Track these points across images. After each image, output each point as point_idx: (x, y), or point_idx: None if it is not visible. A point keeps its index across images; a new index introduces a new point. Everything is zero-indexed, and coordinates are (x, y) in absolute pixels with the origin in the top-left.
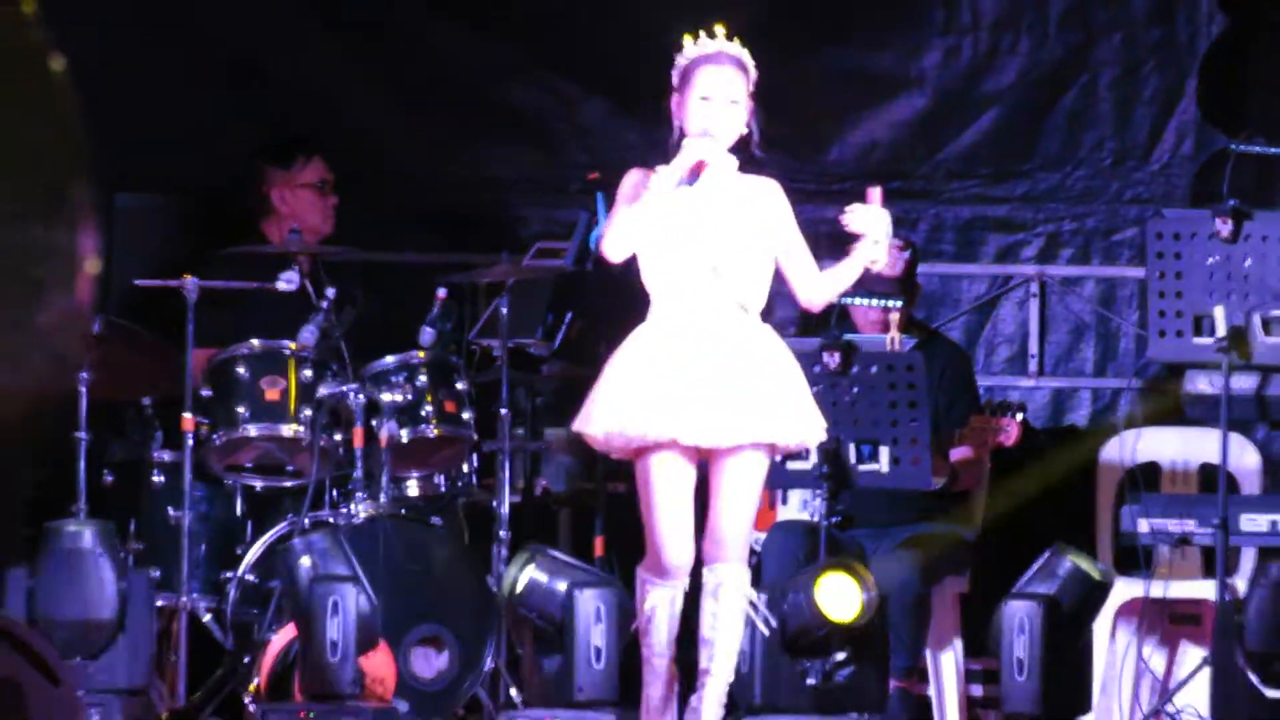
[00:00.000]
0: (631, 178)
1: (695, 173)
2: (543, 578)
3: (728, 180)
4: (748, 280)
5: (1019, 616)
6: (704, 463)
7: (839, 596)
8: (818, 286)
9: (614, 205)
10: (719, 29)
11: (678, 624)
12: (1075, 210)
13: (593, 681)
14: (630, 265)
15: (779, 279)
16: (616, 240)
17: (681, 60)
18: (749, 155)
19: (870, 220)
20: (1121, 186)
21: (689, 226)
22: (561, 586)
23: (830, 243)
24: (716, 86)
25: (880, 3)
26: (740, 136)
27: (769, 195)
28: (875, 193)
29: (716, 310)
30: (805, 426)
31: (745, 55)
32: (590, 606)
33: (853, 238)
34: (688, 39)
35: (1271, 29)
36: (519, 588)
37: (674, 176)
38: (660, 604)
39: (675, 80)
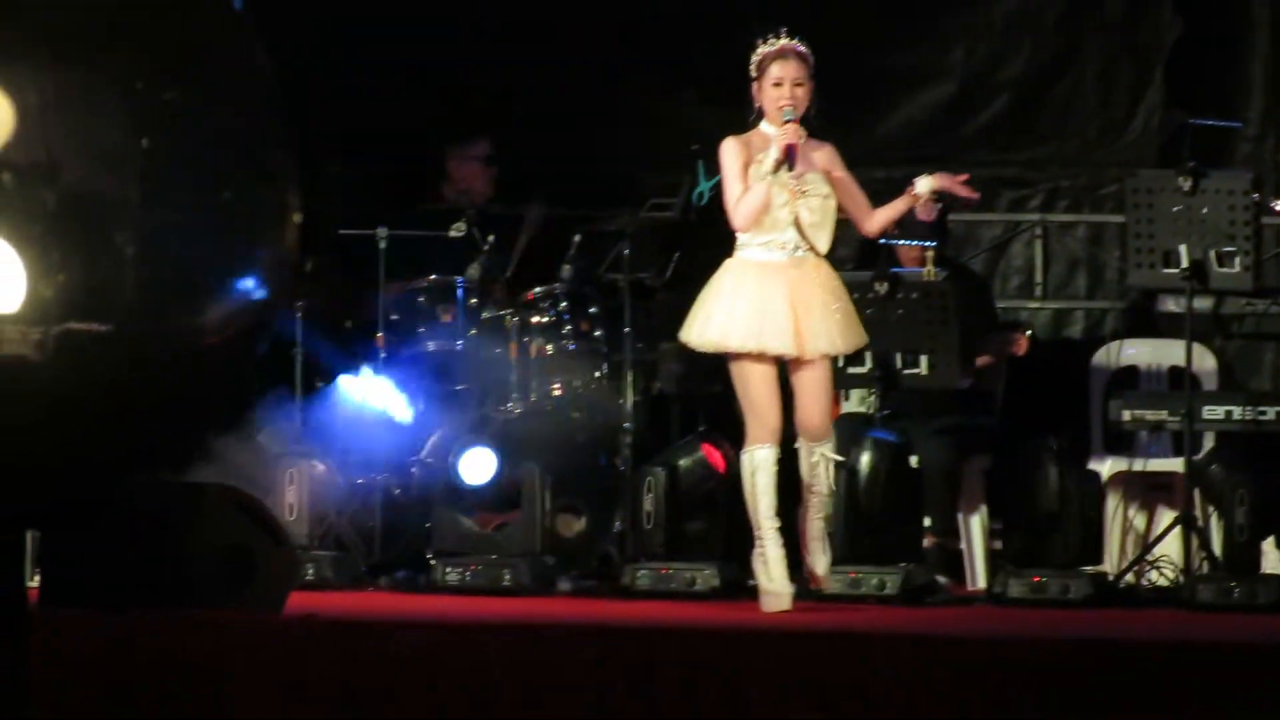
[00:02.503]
0: (729, 147)
1: (790, 156)
2: None
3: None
4: (815, 225)
5: None
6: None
7: None
8: (874, 219)
9: (724, 171)
10: (783, 30)
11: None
12: (1069, 171)
13: None
14: (720, 216)
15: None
16: (747, 219)
17: (756, 56)
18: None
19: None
20: (1105, 153)
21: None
22: None
23: (879, 197)
24: (785, 74)
25: (918, 13)
26: (805, 110)
27: (826, 155)
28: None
29: (789, 250)
30: (851, 338)
31: (805, 48)
32: None
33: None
34: (762, 41)
35: (1219, 34)
36: None
37: (771, 163)
38: (764, 466)
39: (754, 71)
